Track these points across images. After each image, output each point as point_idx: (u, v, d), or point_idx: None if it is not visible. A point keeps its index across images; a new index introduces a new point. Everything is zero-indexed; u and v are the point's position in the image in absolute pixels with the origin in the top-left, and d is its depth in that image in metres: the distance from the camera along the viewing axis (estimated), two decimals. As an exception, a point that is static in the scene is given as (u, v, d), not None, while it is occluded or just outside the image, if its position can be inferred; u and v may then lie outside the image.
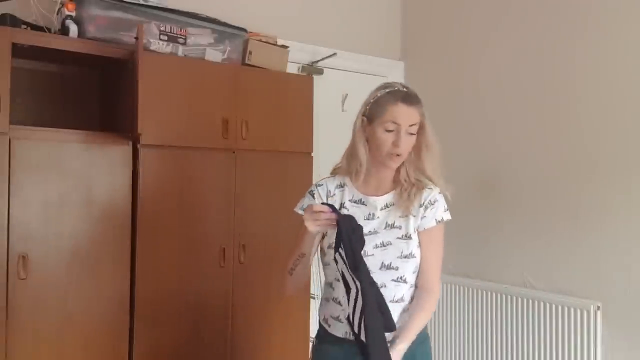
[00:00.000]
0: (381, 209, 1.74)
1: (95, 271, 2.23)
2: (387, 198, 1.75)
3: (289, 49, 2.91)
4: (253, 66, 2.71)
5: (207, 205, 2.51)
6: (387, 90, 1.71)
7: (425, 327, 1.77)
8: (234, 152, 2.59)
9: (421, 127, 1.72)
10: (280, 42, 2.91)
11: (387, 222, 1.73)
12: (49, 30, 2.29)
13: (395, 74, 3.80)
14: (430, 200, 1.72)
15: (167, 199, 2.40)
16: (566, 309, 2.78)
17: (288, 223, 2.75)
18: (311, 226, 1.58)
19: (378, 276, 1.66)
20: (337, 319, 1.73)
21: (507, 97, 3.19)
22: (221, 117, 2.54)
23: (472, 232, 3.21)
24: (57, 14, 2.32)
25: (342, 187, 1.79)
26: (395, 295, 1.70)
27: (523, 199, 3.06)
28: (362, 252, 1.60)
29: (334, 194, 1.78)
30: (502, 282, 3.11)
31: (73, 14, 2.25)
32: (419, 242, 1.73)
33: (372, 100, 1.72)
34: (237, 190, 2.60)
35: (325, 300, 1.81)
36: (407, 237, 1.71)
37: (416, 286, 1.73)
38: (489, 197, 3.19)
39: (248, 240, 2.62)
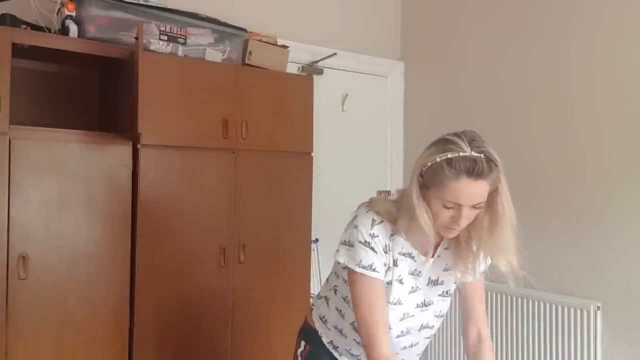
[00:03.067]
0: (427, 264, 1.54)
1: (95, 271, 2.23)
2: (437, 254, 1.55)
3: (289, 49, 2.91)
4: (253, 66, 2.71)
5: (207, 205, 2.51)
6: (447, 155, 1.32)
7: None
8: (234, 152, 2.59)
9: (493, 194, 1.39)
10: (280, 42, 2.91)
11: (430, 278, 1.54)
12: (49, 30, 2.29)
13: (395, 74, 3.80)
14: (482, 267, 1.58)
15: (167, 199, 2.40)
16: (566, 309, 2.78)
17: (288, 223, 2.77)
18: None
19: (414, 336, 1.56)
20: (355, 356, 1.61)
21: (507, 97, 3.19)
22: (221, 117, 2.54)
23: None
24: (57, 14, 2.32)
25: (393, 236, 1.47)
26: (422, 348, 1.65)
27: (523, 199, 3.04)
28: (405, 314, 1.52)
29: (390, 247, 1.47)
30: (502, 282, 3.10)
31: (73, 14, 2.25)
32: (466, 291, 1.63)
33: (429, 164, 1.35)
34: (237, 190, 2.60)
35: (337, 331, 1.61)
36: (448, 294, 1.59)
37: (465, 327, 1.65)
38: (489, 197, 3.19)
39: (248, 240, 2.62)
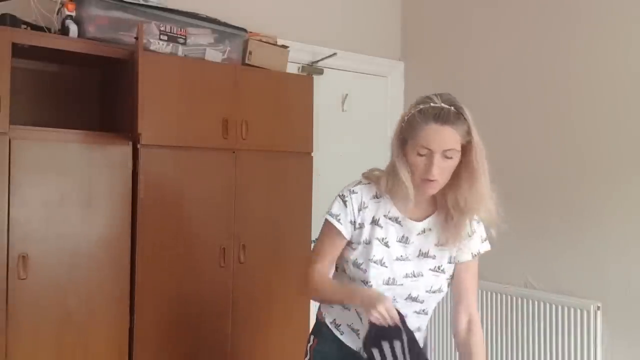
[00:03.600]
0: (417, 234, 1.59)
1: (95, 271, 2.23)
2: (426, 223, 1.59)
3: (289, 49, 2.91)
4: (253, 66, 2.71)
5: (207, 205, 2.51)
6: (420, 106, 1.48)
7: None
8: (234, 152, 2.59)
9: (467, 148, 1.49)
10: (280, 42, 2.91)
11: (420, 250, 1.59)
12: (49, 30, 2.29)
13: (395, 74, 3.80)
14: (469, 232, 1.60)
15: (167, 199, 2.40)
16: (566, 309, 2.78)
17: (288, 223, 2.77)
18: (373, 314, 1.39)
19: (401, 306, 1.56)
20: (355, 330, 1.64)
21: (507, 97, 3.19)
22: (221, 117, 2.54)
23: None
24: (57, 14, 2.32)
25: (378, 198, 1.59)
26: (413, 325, 1.59)
27: (523, 200, 3.05)
28: (390, 279, 1.55)
29: (367, 206, 1.58)
30: (502, 282, 3.11)
31: (73, 14, 2.25)
32: (458, 272, 1.64)
33: (406, 119, 1.50)
34: (237, 190, 2.60)
35: (341, 305, 1.66)
36: (440, 270, 1.61)
37: (455, 311, 1.67)
38: (489, 197, 3.19)
39: (248, 240, 2.62)
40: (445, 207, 1.57)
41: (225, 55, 2.64)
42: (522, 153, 3.08)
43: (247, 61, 2.70)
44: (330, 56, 3.36)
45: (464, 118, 1.48)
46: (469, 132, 1.48)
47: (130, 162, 2.31)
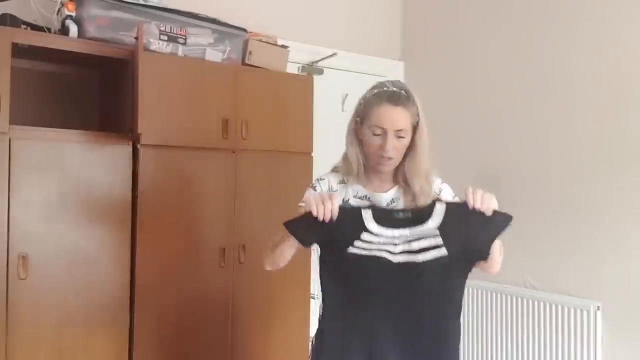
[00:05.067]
0: (387, 204, 1.71)
1: (95, 271, 2.23)
2: (392, 193, 1.73)
3: (289, 49, 2.91)
4: (253, 66, 2.71)
5: (207, 205, 2.51)
6: (375, 90, 1.66)
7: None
8: (234, 152, 2.59)
9: (415, 129, 1.65)
10: (280, 42, 2.91)
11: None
12: (49, 30, 2.29)
13: (395, 74, 3.80)
14: (436, 190, 1.72)
15: (167, 199, 2.40)
16: (566, 309, 2.78)
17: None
18: (317, 210, 1.49)
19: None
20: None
21: (507, 97, 3.19)
22: (221, 117, 2.54)
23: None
24: (57, 14, 2.32)
25: (345, 183, 1.73)
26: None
27: (523, 199, 3.05)
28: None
29: (336, 190, 1.73)
30: (502, 283, 3.11)
31: (73, 14, 2.25)
32: None
33: (362, 101, 1.68)
34: (237, 190, 2.60)
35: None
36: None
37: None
38: (489, 197, 3.19)
39: (248, 240, 2.62)
40: (401, 182, 1.72)
41: (225, 55, 2.63)
42: (522, 153, 3.09)
43: (247, 61, 2.70)
44: (330, 56, 3.36)
45: (414, 100, 1.63)
46: (417, 114, 1.64)
47: (130, 162, 2.31)
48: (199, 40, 2.56)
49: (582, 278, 2.80)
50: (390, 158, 1.63)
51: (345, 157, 1.72)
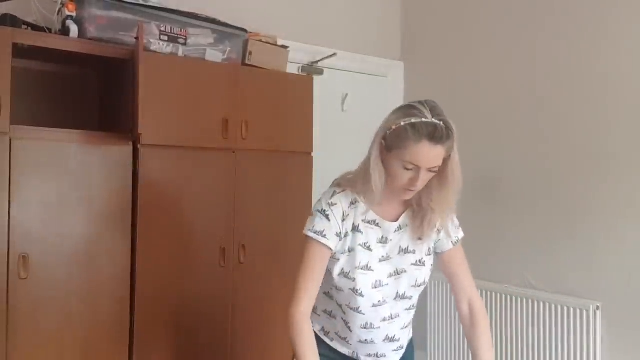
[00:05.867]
0: (395, 232, 1.60)
1: (95, 271, 2.23)
2: (401, 220, 1.61)
3: (289, 49, 2.91)
4: (253, 66, 2.71)
5: (207, 205, 2.51)
6: (411, 120, 1.42)
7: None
8: (234, 152, 2.60)
9: (446, 159, 1.50)
10: (280, 42, 2.91)
11: (400, 247, 1.60)
12: (50, 30, 2.29)
13: (395, 74, 3.80)
14: (441, 224, 1.62)
15: (167, 199, 2.40)
16: (566, 309, 2.78)
17: (288, 223, 2.77)
18: None
19: (392, 306, 1.60)
20: (343, 338, 1.66)
21: (507, 97, 3.19)
22: (221, 117, 2.55)
23: (472, 232, 3.18)
24: (58, 14, 2.32)
25: (355, 204, 1.58)
26: (406, 322, 1.65)
27: (523, 200, 3.06)
28: (377, 281, 1.56)
29: (348, 214, 1.57)
30: (502, 282, 3.11)
31: (73, 14, 2.25)
32: (445, 263, 1.67)
33: (393, 128, 1.45)
34: (237, 190, 2.60)
35: (327, 314, 1.68)
36: (421, 263, 1.62)
37: (456, 301, 1.69)
38: (490, 197, 3.19)
39: (248, 240, 2.62)
40: (415, 205, 1.60)
41: (226, 55, 2.64)
42: (522, 152, 3.09)
43: (247, 61, 2.70)
44: (330, 56, 3.36)
45: (453, 131, 1.46)
46: (452, 147, 1.49)
47: (130, 162, 2.31)
48: (199, 40, 2.56)
49: (582, 278, 2.80)
50: (415, 190, 1.50)
51: (366, 180, 1.52)
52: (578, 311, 2.74)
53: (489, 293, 3.13)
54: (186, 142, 2.46)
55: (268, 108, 2.70)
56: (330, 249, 1.55)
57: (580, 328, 2.72)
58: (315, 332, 1.67)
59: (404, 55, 3.83)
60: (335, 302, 1.64)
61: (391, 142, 1.46)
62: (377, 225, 1.59)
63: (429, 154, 1.43)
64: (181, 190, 2.45)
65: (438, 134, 1.41)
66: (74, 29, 2.23)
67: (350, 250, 1.57)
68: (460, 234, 1.68)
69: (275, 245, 2.71)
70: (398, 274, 1.60)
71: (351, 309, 1.59)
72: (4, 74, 2.04)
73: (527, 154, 3.06)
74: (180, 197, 2.44)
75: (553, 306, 2.84)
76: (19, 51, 2.14)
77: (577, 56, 2.87)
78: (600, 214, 2.74)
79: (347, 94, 3.58)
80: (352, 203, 1.58)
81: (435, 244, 1.65)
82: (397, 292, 1.60)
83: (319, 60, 3.36)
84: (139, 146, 2.30)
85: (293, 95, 2.81)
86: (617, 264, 2.68)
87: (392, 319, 1.62)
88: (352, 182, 1.59)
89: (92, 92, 2.62)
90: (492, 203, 3.18)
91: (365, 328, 1.61)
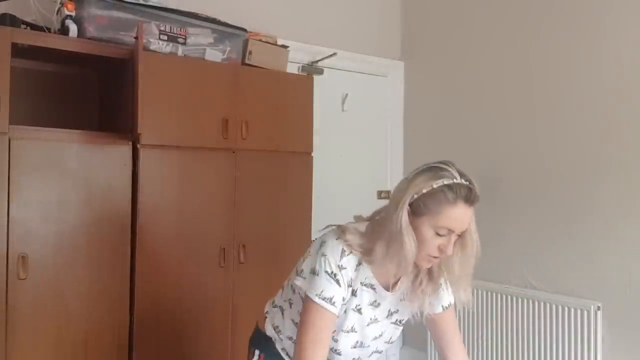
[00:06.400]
0: (389, 298, 1.53)
1: (95, 271, 2.23)
2: (400, 289, 1.52)
3: (289, 49, 2.90)
4: (253, 66, 2.71)
5: (207, 205, 2.51)
6: (444, 181, 1.34)
7: None
8: (234, 152, 2.59)
9: None
10: (280, 42, 2.91)
11: (389, 310, 1.54)
12: (49, 30, 2.29)
13: (395, 74, 3.80)
14: (453, 292, 1.54)
15: (167, 199, 2.40)
16: (567, 309, 2.78)
17: (288, 223, 2.77)
18: None
19: (362, 358, 1.56)
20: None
21: (506, 97, 3.19)
22: (221, 117, 2.54)
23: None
24: (57, 13, 2.31)
25: (359, 267, 1.46)
26: None
27: (523, 200, 3.05)
28: (358, 342, 1.51)
29: (354, 279, 1.46)
30: (502, 283, 3.10)
31: (73, 13, 2.24)
32: (435, 325, 1.59)
33: (424, 191, 1.34)
34: (237, 190, 2.60)
35: (292, 341, 1.57)
36: (401, 323, 1.57)
37: None
38: (490, 197, 3.18)
39: (248, 240, 2.62)
40: (419, 271, 1.49)
41: (225, 55, 2.63)
42: (522, 152, 3.08)
43: (247, 61, 2.70)
44: (330, 56, 3.36)
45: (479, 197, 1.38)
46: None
47: (130, 162, 2.31)
48: (199, 40, 2.56)
49: (583, 278, 2.80)
50: (440, 258, 1.40)
51: (396, 253, 1.37)
52: (578, 311, 2.73)
53: (489, 293, 3.12)
54: (186, 142, 2.45)
55: (268, 108, 2.70)
56: (336, 315, 1.44)
57: (580, 328, 2.72)
58: (278, 351, 1.60)
59: (404, 55, 3.83)
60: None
61: (422, 206, 1.35)
62: (374, 289, 1.49)
63: (464, 217, 1.35)
64: (181, 190, 2.44)
65: (473, 196, 1.35)
66: (73, 29, 2.23)
67: (344, 312, 1.48)
68: (451, 299, 1.58)
69: (275, 245, 2.70)
70: (381, 336, 1.55)
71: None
72: (3, 73, 2.04)
73: (527, 154, 3.06)
74: (180, 197, 2.44)
75: (553, 306, 2.83)
76: (18, 51, 2.14)
77: (577, 56, 2.86)
78: (601, 214, 2.74)
79: (347, 94, 3.58)
80: (357, 265, 1.45)
81: (428, 307, 1.55)
82: (376, 349, 1.57)
83: (319, 60, 3.36)
84: (138, 146, 2.30)
85: (293, 95, 2.81)
86: (617, 264, 2.67)
87: None
88: (362, 247, 1.44)
89: (92, 91, 2.62)
90: (492, 203, 3.18)
91: None
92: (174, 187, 2.42)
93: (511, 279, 3.08)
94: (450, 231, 1.35)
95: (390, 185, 3.74)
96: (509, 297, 3.03)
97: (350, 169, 3.59)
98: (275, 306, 1.66)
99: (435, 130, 3.57)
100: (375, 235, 1.42)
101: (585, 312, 2.70)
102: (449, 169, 1.37)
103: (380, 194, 3.68)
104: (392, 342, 1.61)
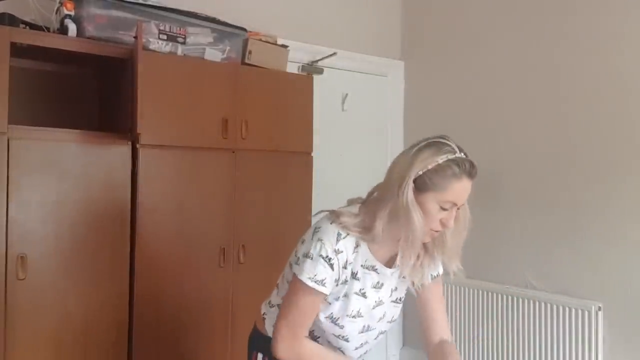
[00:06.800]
0: (391, 276, 1.55)
1: (94, 271, 2.22)
2: (397, 264, 1.52)
3: (289, 48, 2.90)
4: (253, 66, 2.70)
5: (207, 205, 2.50)
6: (448, 156, 1.36)
7: None
8: (233, 152, 2.59)
9: None
10: (280, 42, 2.91)
11: (391, 289, 1.56)
12: (48, 29, 2.28)
13: (395, 73, 3.80)
14: (447, 265, 1.56)
15: (166, 199, 2.39)
16: (567, 309, 2.77)
17: (288, 223, 2.76)
18: None
19: (371, 345, 1.60)
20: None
21: (507, 97, 3.19)
22: (221, 117, 2.54)
23: (473, 233, 3.18)
24: (56, 13, 2.31)
25: (357, 248, 1.47)
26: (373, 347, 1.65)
27: (524, 200, 3.05)
28: (365, 326, 1.53)
29: (351, 262, 1.47)
30: (503, 283, 3.10)
31: (72, 13, 2.24)
32: (421, 299, 1.61)
33: (429, 166, 1.36)
34: (237, 190, 2.59)
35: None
36: (400, 301, 1.60)
37: (425, 337, 1.63)
38: (490, 197, 3.18)
39: (248, 240, 2.62)
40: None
41: (225, 54, 2.63)
42: (522, 152, 3.08)
43: (247, 61, 2.69)
44: (330, 56, 3.35)
45: None
46: None
47: (129, 162, 2.30)
48: (199, 39, 2.55)
49: (583, 278, 2.79)
50: (442, 231, 1.44)
51: (406, 228, 1.39)
52: (579, 312, 2.73)
53: (489, 293, 3.12)
54: (185, 142, 2.45)
55: (268, 108, 2.69)
56: (325, 294, 1.45)
57: (581, 329, 2.72)
58: (270, 339, 1.55)
59: (404, 54, 3.82)
60: (312, 333, 1.56)
61: (427, 181, 1.36)
62: (375, 270, 1.50)
63: (466, 191, 1.39)
64: (181, 190, 2.44)
65: (474, 170, 1.39)
66: (72, 28, 2.22)
67: (345, 296, 1.49)
68: (440, 270, 1.61)
69: (275, 245, 2.70)
70: (384, 316, 1.57)
71: (330, 344, 1.55)
72: (2, 73, 2.03)
73: (527, 154, 3.05)
74: (180, 197, 2.43)
75: (554, 307, 2.83)
76: (17, 50, 2.14)
77: (578, 55, 2.86)
78: (602, 215, 2.73)
79: (347, 94, 3.57)
80: (355, 248, 1.46)
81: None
82: (379, 332, 1.59)
83: (319, 60, 3.35)
84: (137, 146, 2.30)
85: (293, 95, 2.81)
86: (618, 264, 2.67)
87: (365, 354, 1.64)
88: (360, 226, 1.44)
89: (91, 91, 2.61)
90: (493, 203, 3.17)
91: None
92: (173, 187, 2.41)
93: (512, 279, 3.08)
94: (454, 205, 1.39)
95: (391, 185, 3.73)
96: (510, 298, 3.03)
97: (350, 169, 3.58)
98: (272, 306, 1.65)
99: (435, 130, 3.51)
100: (374, 213, 1.42)
101: (586, 313, 2.70)
102: (450, 143, 1.40)
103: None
104: (394, 321, 1.62)
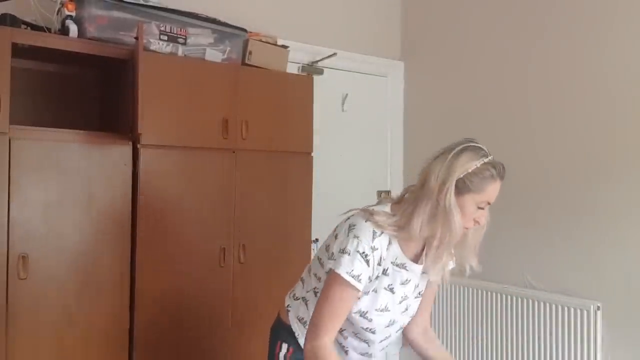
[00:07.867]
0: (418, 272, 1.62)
1: (95, 271, 2.23)
2: (424, 261, 1.61)
3: (289, 49, 2.91)
4: (253, 66, 2.71)
5: (207, 205, 2.51)
6: (484, 160, 1.48)
7: None
8: (233, 152, 2.59)
9: None
10: (280, 42, 2.91)
11: (415, 284, 1.64)
12: (49, 30, 2.29)
13: (395, 73, 3.80)
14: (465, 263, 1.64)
15: (167, 199, 2.40)
16: (566, 309, 2.78)
17: (288, 223, 2.77)
18: None
19: (394, 339, 1.67)
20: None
21: (507, 96, 3.19)
22: (221, 117, 2.54)
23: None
24: (57, 13, 2.32)
25: (389, 246, 1.54)
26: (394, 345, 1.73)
27: (523, 200, 3.05)
28: (391, 320, 1.60)
29: (384, 259, 1.54)
30: (502, 282, 3.11)
31: (73, 13, 2.24)
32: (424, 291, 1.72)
33: (470, 170, 1.46)
34: (237, 190, 2.60)
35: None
36: (420, 295, 1.68)
37: (411, 330, 1.75)
38: (489, 197, 3.19)
39: (248, 240, 2.62)
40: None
41: (225, 55, 2.63)
42: (522, 153, 3.08)
43: (247, 61, 2.70)
44: (330, 56, 3.36)
45: None
46: None
47: (130, 162, 2.31)
48: (199, 40, 2.56)
49: (583, 278, 2.80)
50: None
51: (444, 228, 1.47)
52: (578, 311, 2.73)
53: (488, 293, 3.13)
54: (186, 142, 2.45)
55: (268, 108, 2.70)
56: (359, 292, 1.51)
57: (580, 328, 2.72)
58: (300, 345, 1.61)
59: (404, 55, 3.83)
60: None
61: (468, 184, 1.46)
62: (405, 268, 1.57)
63: (498, 191, 1.51)
64: (181, 190, 2.44)
65: (504, 171, 1.51)
66: (73, 29, 2.23)
67: (375, 291, 1.56)
68: (452, 265, 1.69)
69: (275, 245, 2.71)
70: (406, 310, 1.65)
71: (356, 336, 1.62)
72: (4, 73, 2.04)
73: (527, 154, 3.06)
74: (180, 197, 2.44)
75: (553, 306, 2.83)
76: (19, 51, 2.14)
77: (578, 56, 2.86)
78: (601, 214, 2.74)
79: (347, 94, 3.58)
80: (387, 245, 1.53)
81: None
82: (401, 326, 1.67)
83: (319, 60, 3.36)
84: (138, 146, 2.30)
85: (293, 95, 2.81)
86: (617, 264, 2.67)
87: (387, 346, 1.70)
88: (397, 225, 1.51)
89: (92, 92, 2.62)
90: (493, 203, 3.18)
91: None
92: (174, 187, 2.42)
93: (511, 278, 3.08)
94: (488, 204, 1.50)
95: (390, 185, 3.74)
96: (509, 297, 3.03)
97: (350, 169, 3.59)
98: (296, 298, 1.72)
99: (435, 130, 3.56)
100: (411, 214, 1.49)
101: (585, 312, 2.70)
102: (482, 147, 1.52)
103: (380, 194, 3.67)
104: (413, 315, 1.68)
